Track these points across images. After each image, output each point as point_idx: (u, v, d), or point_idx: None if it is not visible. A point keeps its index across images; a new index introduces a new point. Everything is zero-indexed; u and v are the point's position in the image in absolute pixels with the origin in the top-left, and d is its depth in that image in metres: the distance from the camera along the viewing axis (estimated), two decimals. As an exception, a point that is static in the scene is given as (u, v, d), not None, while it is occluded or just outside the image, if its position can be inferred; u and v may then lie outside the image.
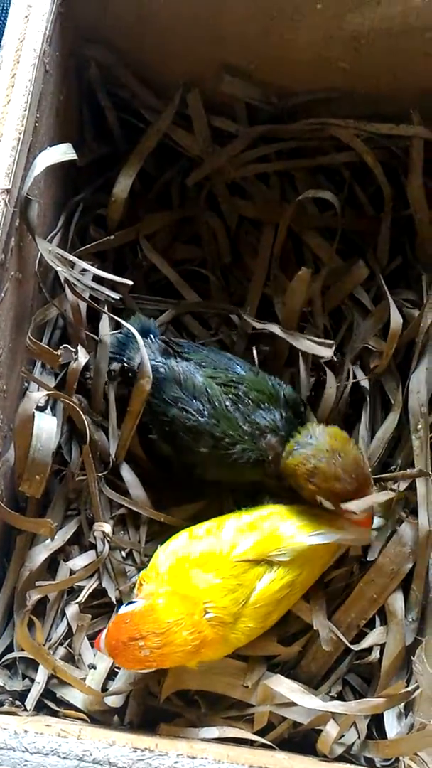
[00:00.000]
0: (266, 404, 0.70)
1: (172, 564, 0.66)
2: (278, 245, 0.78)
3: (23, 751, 0.52)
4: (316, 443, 0.67)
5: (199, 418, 0.70)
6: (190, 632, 0.60)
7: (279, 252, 0.79)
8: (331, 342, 0.74)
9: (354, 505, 0.66)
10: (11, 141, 0.61)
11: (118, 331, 0.77)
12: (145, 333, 0.73)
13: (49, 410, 0.72)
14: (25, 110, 0.62)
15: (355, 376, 0.76)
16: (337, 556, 0.73)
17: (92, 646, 0.72)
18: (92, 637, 0.73)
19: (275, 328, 0.75)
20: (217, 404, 0.70)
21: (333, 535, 0.68)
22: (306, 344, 0.74)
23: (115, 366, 0.77)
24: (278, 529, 0.68)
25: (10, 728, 0.52)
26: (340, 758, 0.68)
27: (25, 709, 0.67)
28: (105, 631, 0.61)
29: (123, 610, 0.62)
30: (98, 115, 0.81)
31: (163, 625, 0.59)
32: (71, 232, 0.77)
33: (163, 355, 0.73)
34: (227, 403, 0.70)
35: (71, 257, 0.69)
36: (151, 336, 0.75)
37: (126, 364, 0.74)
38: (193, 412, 0.70)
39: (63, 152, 0.66)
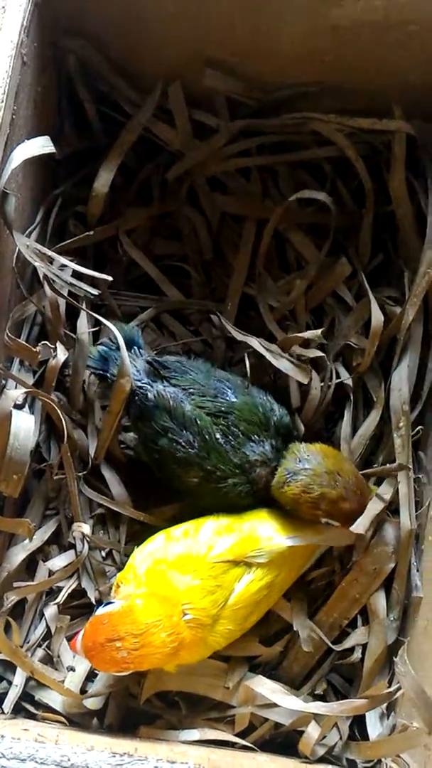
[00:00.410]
0: (256, 436, 0.68)
1: (149, 566, 0.65)
2: (264, 245, 0.77)
3: (0, 757, 0.51)
4: (313, 468, 0.66)
5: (189, 450, 0.68)
6: (168, 634, 0.59)
7: (265, 251, 0.78)
8: (308, 368, 0.73)
9: (362, 527, 0.66)
10: (-13, 134, 0.60)
11: (100, 343, 0.75)
12: (128, 344, 0.71)
13: (27, 408, 0.71)
14: (2, 102, 0.61)
15: (338, 375, 0.75)
16: (316, 557, 0.73)
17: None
18: (71, 639, 0.72)
19: (254, 343, 0.74)
20: (207, 437, 0.67)
21: (312, 537, 0.68)
22: (285, 365, 0.73)
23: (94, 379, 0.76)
24: (256, 530, 0.67)
25: (-15, 734, 0.51)
26: (321, 759, 0.68)
27: (3, 712, 0.66)
28: (81, 632, 0.60)
29: (100, 611, 0.61)
30: (77, 108, 0.80)
31: (141, 627, 0.59)
32: (50, 227, 0.76)
33: (149, 377, 0.70)
34: (217, 436, 0.68)
35: (50, 252, 0.67)
36: (136, 349, 0.72)
37: (110, 380, 0.72)
38: (183, 443, 0.68)
39: (41, 145, 0.64)
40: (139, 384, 0.69)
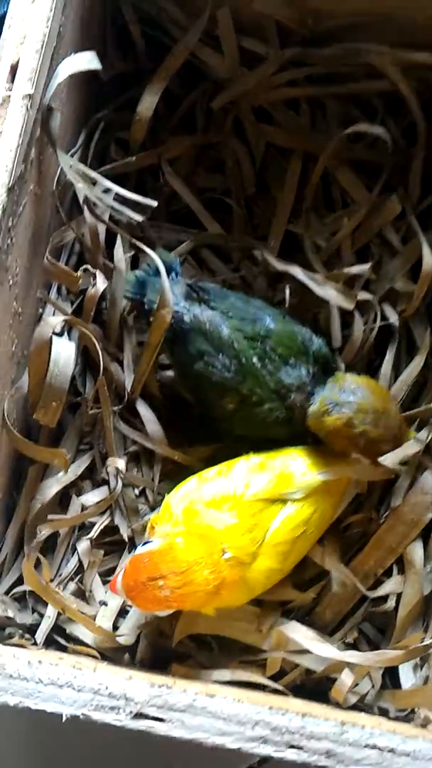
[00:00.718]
0: (293, 360, 0.66)
1: (186, 506, 0.63)
2: (314, 179, 0.74)
3: (37, 682, 0.50)
4: (359, 402, 0.64)
5: (226, 374, 0.66)
6: (210, 571, 0.58)
7: (314, 187, 0.75)
8: (354, 294, 0.70)
9: (390, 461, 0.65)
10: (35, 43, 0.57)
11: (137, 269, 0.73)
12: (167, 271, 0.68)
13: (65, 336, 0.69)
14: (51, 11, 0.58)
15: (384, 317, 0.73)
16: (350, 498, 0.71)
17: (104, 584, 0.70)
18: (104, 575, 0.71)
19: (297, 272, 0.72)
20: (244, 360, 0.66)
21: (343, 471, 0.66)
22: (329, 293, 0.70)
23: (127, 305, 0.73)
24: (289, 467, 0.66)
25: (23, 658, 0.50)
26: (353, 707, 0.67)
27: (35, 643, 0.65)
28: (121, 572, 0.59)
29: (140, 550, 0.59)
30: (122, 30, 0.76)
31: (183, 565, 0.57)
32: (91, 152, 0.73)
33: (187, 300, 0.68)
34: (254, 360, 0.66)
35: (94, 174, 0.65)
36: (174, 275, 0.70)
37: (146, 306, 0.70)
38: (219, 367, 0.66)
39: (88, 60, 0.62)
40: (176, 308, 0.67)
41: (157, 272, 0.67)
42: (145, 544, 0.60)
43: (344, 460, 0.67)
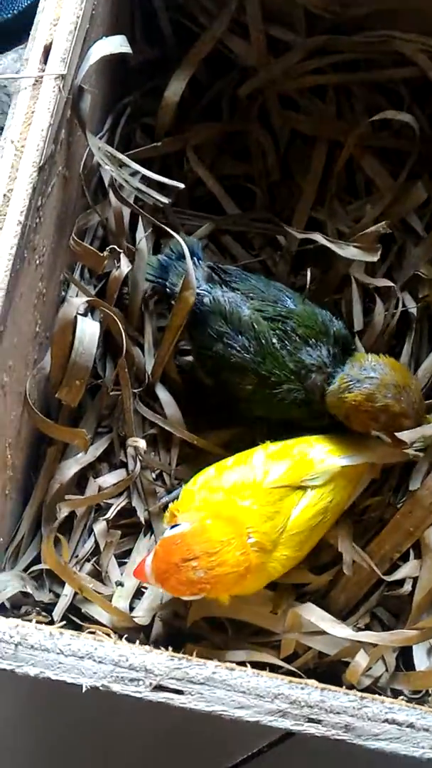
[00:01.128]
0: (314, 340, 0.67)
1: (207, 494, 0.63)
2: (340, 164, 0.75)
3: (58, 653, 0.50)
4: (381, 377, 0.64)
5: (245, 355, 0.67)
6: (241, 552, 0.58)
7: (337, 177, 0.75)
8: (377, 246, 0.70)
9: (407, 437, 0.64)
10: (68, 25, 0.58)
11: (160, 254, 0.73)
12: (190, 251, 0.69)
13: (89, 318, 0.70)
14: (84, -7, 0.59)
15: (404, 304, 0.73)
16: (365, 484, 0.71)
17: (120, 565, 0.70)
18: (120, 556, 0.71)
19: (318, 237, 0.72)
20: (263, 341, 0.66)
21: (363, 455, 0.67)
22: (352, 251, 0.70)
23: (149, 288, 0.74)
24: (308, 454, 0.66)
25: (45, 630, 0.51)
26: (367, 690, 0.67)
27: (51, 622, 0.66)
28: (151, 556, 0.59)
29: (169, 533, 0.59)
30: (150, 16, 0.77)
31: (216, 545, 0.57)
32: (117, 137, 0.74)
33: (208, 283, 0.69)
34: (274, 340, 0.66)
35: (121, 156, 0.65)
36: (196, 259, 0.70)
37: (168, 290, 0.71)
38: (238, 348, 0.67)
39: (119, 44, 0.62)
40: (197, 290, 0.67)
41: (180, 257, 0.68)
42: (173, 527, 0.60)
43: (362, 444, 0.67)
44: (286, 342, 0.66)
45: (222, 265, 0.71)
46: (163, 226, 0.69)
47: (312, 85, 0.78)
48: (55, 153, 0.59)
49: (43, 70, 0.57)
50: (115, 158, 0.65)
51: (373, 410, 0.64)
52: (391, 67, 0.77)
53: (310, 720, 0.50)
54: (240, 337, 0.67)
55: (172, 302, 0.69)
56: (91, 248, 0.65)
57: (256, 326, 0.67)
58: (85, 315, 0.69)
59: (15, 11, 0.89)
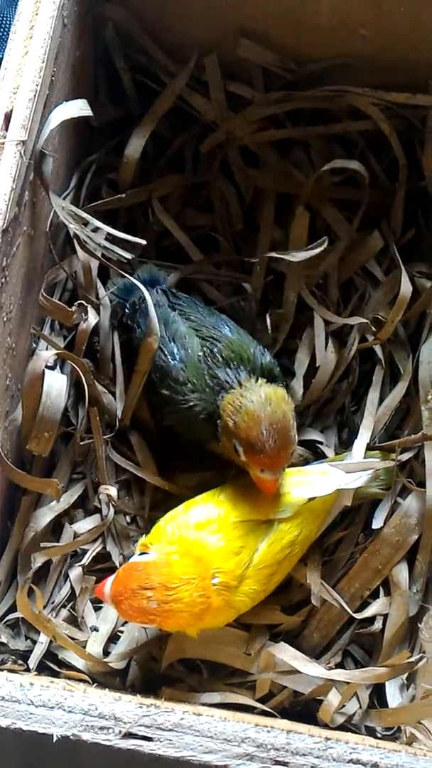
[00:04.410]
0: (234, 363, 0.69)
1: (175, 529, 0.65)
2: (300, 225, 0.77)
3: (28, 704, 0.51)
4: (253, 390, 0.66)
5: (170, 360, 0.70)
6: (199, 594, 0.60)
7: (303, 228, 0.78)
8: (324, 238, 0.73)
9: (352, 468, 0.67)
10: (28, 92, 0.60)
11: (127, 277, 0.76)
12: (153, 283, 0.75)
13: (58, 370, 0.72)
14: (43, 62, 0.61)
15: (364, 340, 0.76)
16: (333, 516, 0.72)
17: (95, 610, 0.71)
18: (95, 601, 0.72)
19: (271, 253, 0.75)
20: (189, 351, 0.70)
21: (326, 487, 0.68)
22: (302, 254, 0.73)
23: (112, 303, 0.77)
24: None
25: (15, 681, 0.52)
26: (341, 728, 0.68)
27: (28, 669, 0.67)
28: (112, 577, 0.61)
29: (135, 558, 0.61)
30: (113, 76, 0.80)
31: (175, 581, 0.59)
32: (83, 194, 0.77)
33: (161, 297, 0.74)
34: (199, 353, 0.70)
35: (84, 215, 0.68)
36: (158, 288, 0.75)
37: (127, 309, 0.75)
38: (166, 353, 0.70)
39: (79, 108, 0.65)
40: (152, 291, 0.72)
41: (144, 283, 0.72)
42: (141, 554, 0.62)
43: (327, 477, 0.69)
44: (209, 359, 0.70)
45: (176, 291, 0.75)
46: (129, 276, 0.71)
47: (272, 140, 0.81)
48: (20, 215, 0.61)
49: (5, 137, 0.59)
50: (80, 216, 0.68)
51: (231, 410, 0.65)
52: (347, 120, 0.80)
53: (277, 762, 0.51)
54: (171, 344, 0.71)
55: (128, 322, 0.74)
56: (60, 303, 0.67)
57: (187, 338, 0.71)
58: (54, 367, 0.71)
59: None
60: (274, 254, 0.75)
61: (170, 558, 0.60)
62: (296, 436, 0.65)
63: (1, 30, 0.93)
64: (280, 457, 0.64)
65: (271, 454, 0.63)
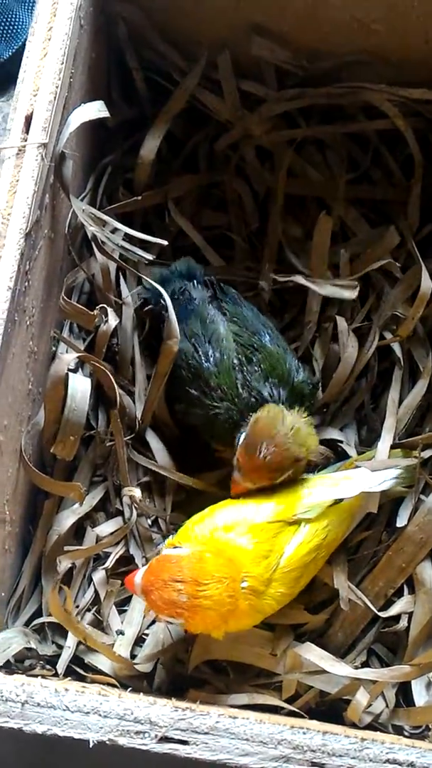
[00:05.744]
0: (275, 380, 0.69)
1: (204, 532, 0.65)
2: (323, 231, 0.77)
3: (64, 710, 0.51)
4: (289, 415, 0.67)
5: (203, 362, 0.69)
6: (229, 595, 0.59)
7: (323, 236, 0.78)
8: (354, 283, 0.73)
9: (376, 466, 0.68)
10: (48, 95, 0.60)
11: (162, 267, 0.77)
12: (191, 276, 0.74)
13: (80, 372, 0.71)
14: (62, 64, 0.61)
15: (383, 338, 0.75)
16: (361, 517, 0.72)
17: (120, 614, 0.71)
18: (119, 604, 0.72)
19: (298, 278, 0.75)
20: (225, 357, 0.69)
21: (352, 490, 0.68)
22: (330, 290, 0.73)
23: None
24: (297, 490, 0.68)
25: (50, 687, 0.52)
26: (368, 727, 0.68)
27: (56, 674, 0.66)
28: (144, 567, 0.61)
29: (168, 551, 0.61)
30: (126, 76, 0.80)
31: (207, 577, 0.59)
32: (99, 196, 0.76)
33: (204, 289, 0.74)
34: (235, 361, 0.69)
35: (104, 216, 0.68)
36: (195, 282, 0.75)
37: (161, 301, 0.72)
38: (201, 353, 0.70)
39: (97, 109, 0.65)
40: (190, 289, 0.72)
41: (181, 275, 0.72)
42: (175, 548, 0.62)
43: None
44: (246, 368, 0.69)
45: (223, 284, 0.74)
46: (147, 279, 0.71)
47: (287, 140, 0.80)
48: (41, 218, 0.61)
49: (26, 140, 0.59)
50: (99, 218, 0.67)
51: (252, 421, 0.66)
52: (361, 116, 0.80)
53: (314, 764, 0.51)
54: (207, 344, 0.70)
55: (162, 310, 0.72)
56: (82, 307, 0.67)
57: (225, 342, 0.70)
58: (75, 370, 0.70)
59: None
60: (301, 280, 0.75)
61: (203, 555, 0.60)
62: (288, 475, 0.67)
63: (11, 28, 0.93)
64: (258, 471, 0.66)
65: (256, 463, 0.65)
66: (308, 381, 0.71)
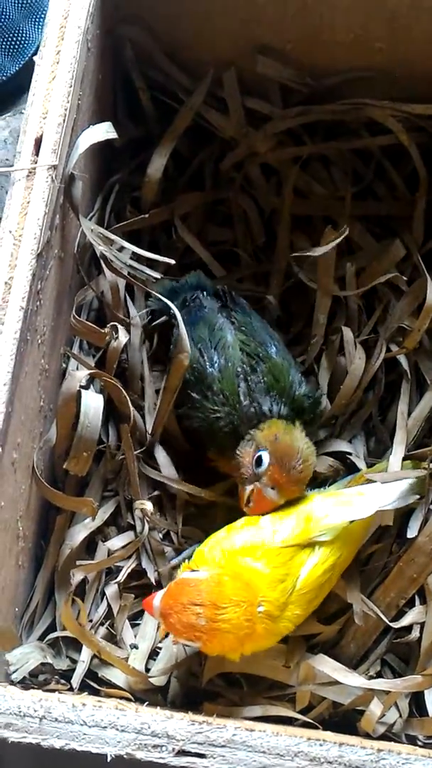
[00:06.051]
0: (276, 394, 0.70)
1: (221, 555, 0.65)
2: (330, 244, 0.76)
3: (81, 725, 0.52)
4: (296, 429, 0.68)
5: (207, 367, 0.70)
6: (246, 618, 0.60)
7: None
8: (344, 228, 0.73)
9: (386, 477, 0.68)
10: (57, 117, 0.61)
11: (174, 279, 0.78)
12: (202, 290, 0.75)
13: (90, 389, 0.72)
14: (70, 87, 0.62)
15: (389, 350, 0.76)
16: (369, 534, 0.73)
17: (133, 627, 0.72)
18: (132, 618, 0.73)
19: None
20: (229, 364, 0.70)
21: (366, 509, 0.68)
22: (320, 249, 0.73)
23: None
24: (311, 510, 0.68)
25: (67, 702, 0.52)
26: (382, 737, 0.68)
27: (71, 688, 0.67)
28: (164, 590, 0.61)
29: (187, 575, 0.61)
30: (132, 97, 0.81)
31: (225, 600, 0.59)
32: (107, 215, 0.77)
33: (214, 298, 0.75)
34: (238, 369, 0.70)
35: (113, 236, 0.68)
36: (205, 293, 0.76)
37: (170, 312, 0.72)
38: (206, 358, 0.70)
39: (105, 131, 0.65)
40: (201, 297, 0.73)
41: (191, 287, 0.74)
42: (193, 572, 0.62)
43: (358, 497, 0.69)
44: (249, 377, 0.70)
45: (234, 293, 0.75)
46: (157, 294, 0.72)
47: (292, 157, 0.81)
48: (51, 238, 0.62)
49: (36, 162, 0.60)
50: (108, 238, 0.68)
51: (265, 443, 0.67)
52: (366, 133, 0.81)
53: (331, 775, 0.51)
54: (213, 350, 0.71)
55: (171, 319, 0.73)
56: (92, 326, 0.68)
57: (231, 349, 0.71)
58: (87, 387, 0.71)
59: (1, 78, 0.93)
60: (296, 254, 0.76)
61: (222, 578, 0.61)
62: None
63: (17, 43, 0.95)
64: (294, 485, 0.68)
65: (292, 478, 0.67)
66: (309, 395, 0.72)
